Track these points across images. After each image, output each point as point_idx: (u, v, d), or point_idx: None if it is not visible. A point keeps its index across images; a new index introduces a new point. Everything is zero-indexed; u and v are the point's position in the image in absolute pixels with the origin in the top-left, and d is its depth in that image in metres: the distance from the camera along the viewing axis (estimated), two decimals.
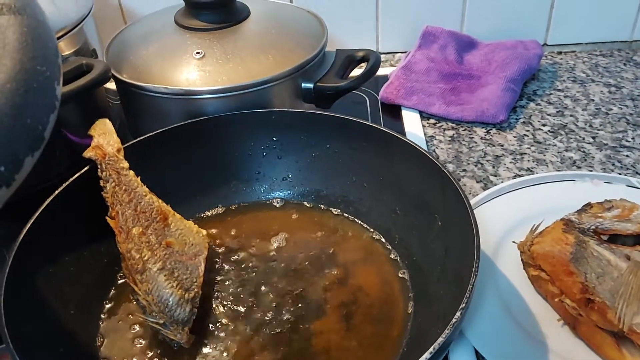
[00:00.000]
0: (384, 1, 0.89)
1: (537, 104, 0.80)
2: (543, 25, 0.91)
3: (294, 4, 0.88)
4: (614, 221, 0.50)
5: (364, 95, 0.84)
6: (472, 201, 0.60)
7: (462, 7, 0.90)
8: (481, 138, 0.74)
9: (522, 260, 0.51)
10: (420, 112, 0.79)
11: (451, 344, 0.39)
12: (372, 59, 0.67)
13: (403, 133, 0.76)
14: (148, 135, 0.57)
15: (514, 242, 0.53)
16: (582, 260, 0.47)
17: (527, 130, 0.75)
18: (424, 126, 0.77)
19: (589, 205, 0.53)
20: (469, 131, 0.76)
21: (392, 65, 0.93)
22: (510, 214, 0.58)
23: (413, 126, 0.77)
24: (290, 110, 0.61)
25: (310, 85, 0.64)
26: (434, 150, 0.72)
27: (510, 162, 0.69)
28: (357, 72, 0.66)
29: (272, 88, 0.62)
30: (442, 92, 0.81)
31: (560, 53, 0.93)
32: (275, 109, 0.61)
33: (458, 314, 0.37)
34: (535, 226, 0.52)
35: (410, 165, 0.54)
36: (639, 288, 0.44)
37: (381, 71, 0.90)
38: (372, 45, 0.94)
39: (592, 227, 0.49)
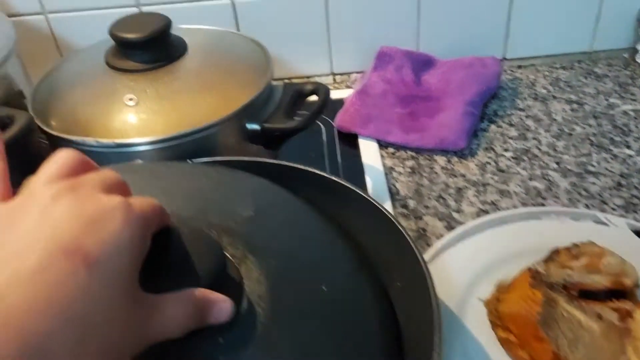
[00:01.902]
0: (335, 21, 0.85)
1: (498, 126, 0.77)
2: (501, 38, 0.88)
3: (240, 31, 0.83)
4: (584, 273, 0.47)
5: (319, 123, 0.79)
6: (434, 248, 0.56)
7: (416, 24, 0.86)
8: (442, 168, 0.71)
9: (489, 319, 0.48)
10: (379, 140, 0.75)
11: None
12: (322, 94, 0.62)
13: (360, 165, 0.72)
14: None
15: (479, 299, 0.49)
16: (552, 323, 0.43)
17: (490, 157, 0.71)
18: (382, 156, 0.73)
19: (556, 253, 0.50)
20: (430, 160, 0.72)
21: (348, 87, 0.88)
22: (476, 260, 0.54)
23: (371, 157, 0.73)
24: (231, 159, 0.55)
25: (257, 127, 0.60)
26: (394, 185, 0.68)
27: (474, 195, 0.66)
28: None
29: (214, 133, 0.57)
30: (400, 117, 0.77)
31: (520, 67, 0.90)
32: (216, 158, 0.56)
33: None
34: (500, 281, 0.49)
35: (364, 218, 0.50)
36: (613, 354, 0.41)
37: (337, 94, 0.86)
38: (325, 67, 0.89)
39: (561, 281, 0.46)
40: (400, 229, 0.45)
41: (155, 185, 0.33)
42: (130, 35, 0.58)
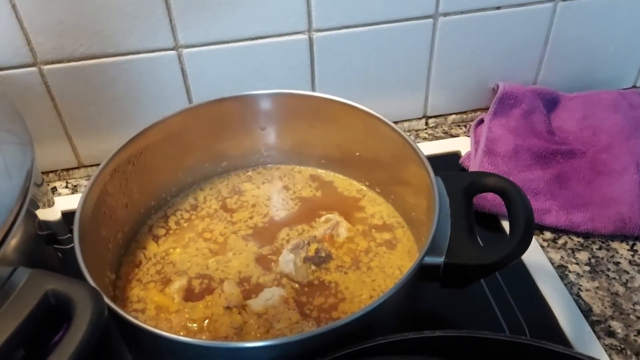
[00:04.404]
0: (438, 54, 0.64)
1: None
2: (636, 63, 0.71)
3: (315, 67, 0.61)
4: None
5: None
6: None
7: (541, 52, 0.66)
8: (629, 262, 0.53)
9: None
10: None
11: None
12: (517, 199, 0.42)
13: (521, 265, 0.53)
14: None
15: None
16: None
17: None
18: (541, 246, 0.55)
19: None
20: (607, 250, 0.54)
21: (447, 134, 0.69)
22: None
23: (530, 250, 0.55)
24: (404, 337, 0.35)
25: (439, 261, 0.40)
26: (579, 295, 0.51)
27: None
28: None
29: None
30: (548, 184, 0.58)
31: None
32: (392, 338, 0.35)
33: None
34: None
35: None
36: None
37: (446, 145, 0.67)
38: (419, 110, 0.69)
39: None
40: None
41: None
42: None
